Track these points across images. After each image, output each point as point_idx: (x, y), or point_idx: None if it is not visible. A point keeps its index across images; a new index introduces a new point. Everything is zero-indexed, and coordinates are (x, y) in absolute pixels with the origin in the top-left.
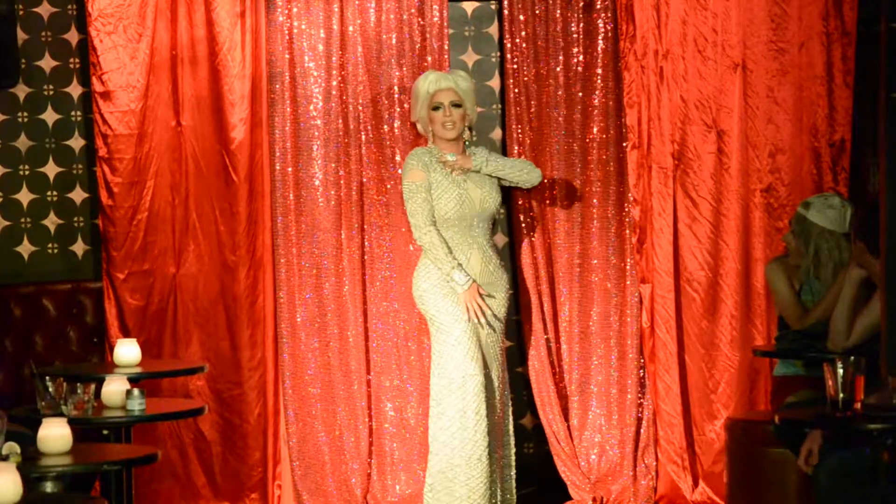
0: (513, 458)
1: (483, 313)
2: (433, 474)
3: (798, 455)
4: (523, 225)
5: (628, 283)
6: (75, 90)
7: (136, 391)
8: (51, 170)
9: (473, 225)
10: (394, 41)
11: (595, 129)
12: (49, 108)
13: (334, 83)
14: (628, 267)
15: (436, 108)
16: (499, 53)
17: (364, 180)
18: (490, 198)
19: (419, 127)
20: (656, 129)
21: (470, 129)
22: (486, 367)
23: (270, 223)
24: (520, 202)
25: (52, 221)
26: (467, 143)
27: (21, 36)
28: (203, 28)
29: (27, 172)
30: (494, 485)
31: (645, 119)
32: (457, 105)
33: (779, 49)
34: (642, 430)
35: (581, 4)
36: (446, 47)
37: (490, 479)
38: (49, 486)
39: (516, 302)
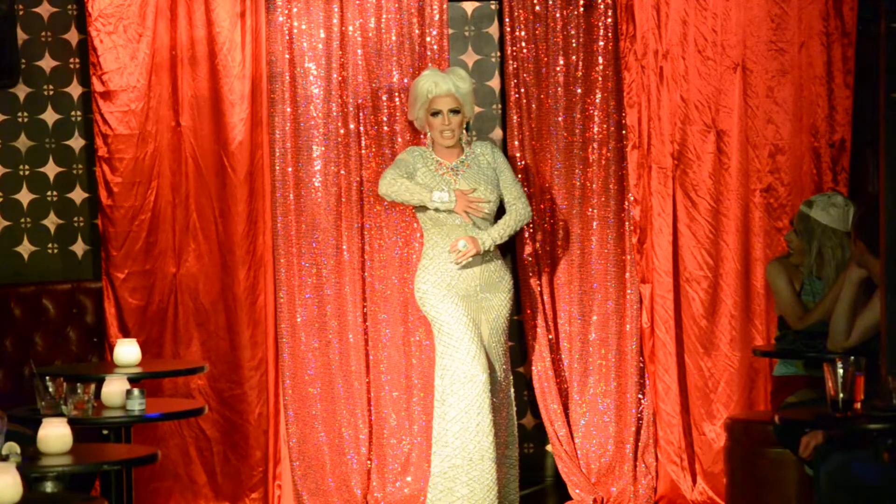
0: (516, 457)
1: (479, 208)
2: (435, 474)
3: (797, 453)
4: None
5: (628, 283)
6: (75, 90)
7: (136, 391)
8: (51, 170)
9: (469, 225)
10: (394, 41)
11: (595, 129)
12: (49, 108)
13: (334, 83)
14: (628, 267)
15: (434, 114)
16: (499, 53)
17: (364, 180)
18: (484, 197)
19: (416, 124)
20: (656, 129)
21: (467, 129)
22: (489, 366)
23: (270, 223)
24: None
25: (52, 221)
26: (465, 143)
27: (21, 36)
28: (203, 28)
29: (27, 172)
30: (497, 485)
31: (645, 119)
32: (455, 111)
33: (779, 49)
34: (642, 430)
35: (581, 4)
36: (446, 47)
37: (493, 479)
38: (49, 486)
39: (517, 302)
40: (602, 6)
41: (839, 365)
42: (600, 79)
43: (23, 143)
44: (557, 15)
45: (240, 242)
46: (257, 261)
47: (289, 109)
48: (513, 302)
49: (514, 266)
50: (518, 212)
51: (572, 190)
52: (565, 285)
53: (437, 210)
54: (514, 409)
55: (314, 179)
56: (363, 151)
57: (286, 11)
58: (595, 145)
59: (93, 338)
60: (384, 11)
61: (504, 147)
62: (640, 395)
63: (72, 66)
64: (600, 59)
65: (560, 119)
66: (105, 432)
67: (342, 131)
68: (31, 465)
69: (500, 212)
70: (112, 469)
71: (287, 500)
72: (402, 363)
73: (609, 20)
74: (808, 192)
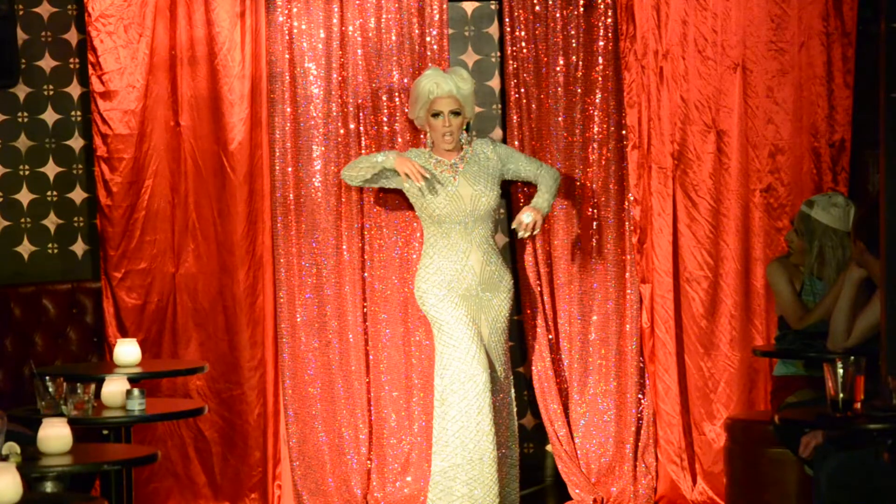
0: (517, 457)
1: (423, 174)
2: (435, 473)
3: (797, 453)
4: None
5: (628, 283)
6: (75, 90)
7: (136, 391)
8: (51, 170)
9: (468, 224)
10: (394, 41)
11: (595, 129)
12: (49, 108)
13: (334, 83)
14: (628, 267)
15: (435, 115)
16: (499, 53)
17: None
18: (483, 196)
19: (416, 123)
20: (656, 129)
21: (467, 129)
22: (489, 366)
23: (270, 223)
24: (521, 202)
25: (52, 221)
26: (465, 143)
27: (21, 36)
28: (202, 28)
29: (27, 172)
30: (497, 485)
31: (645, 119)
32: (456, 113)
33: (779, 49)
34: (642, 430)
35: (581, 4)
36: (446, 47)
37: (493, 479)
38: (49, 486)
39: (517, 302)
40: (602, 6)
41: (839, 365)
42: (600, 79)
43: (23, 143)
44: (557, 15)
45: (239, 242)
46: (257, 261)
47: (289, 109)
48: (513, 301)
49: (514, 266)
50: (549, 174)
51: (572, 190)
52: (565, 285)
53: (384, 170)
54: (515, 408)
55: (314, 179)
56: (363, 151)
57: (286, 11)
58: (595, 145)
59: (93, 338)
60: (384, 11)
61: None
62: (640, 395)
63: (72, 66)
64: (600, 59)
65: (560, 119)
66: (105, 432)
67: (342, 131)
68: (31, 465)
69: (506, 208)
70: (112, 469)
71: (287, 500)
72: (402, 363)
73: (609, 20)
74: (808, 192)
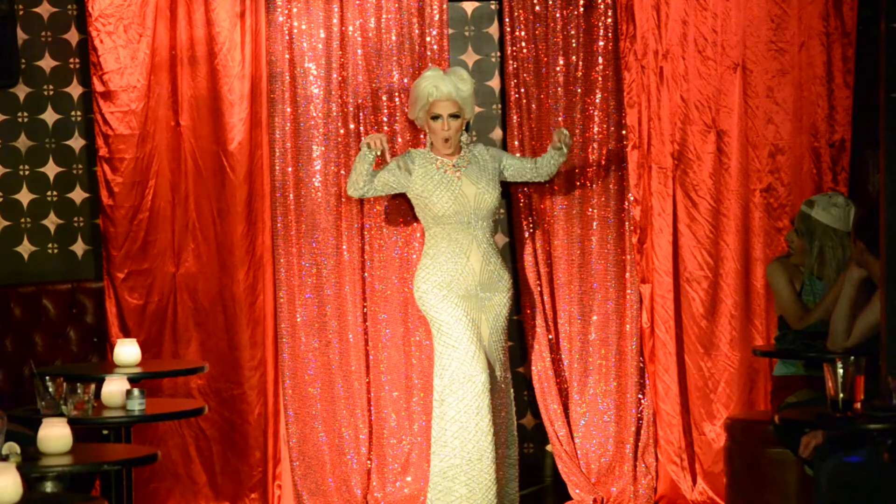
0: (517, 457)
1: (382, 148)
2: (435, 474)
3: (797, 452)
4: (523, 225)
5: (628, 283)
6: (75, 90)
7: (136, 391)
8: (51, 170)
9: (471, 223)
10: (394, 41)
11: (595, 129)
12: (49, 108)
13: (334, 83)
14: (628, 267)
15: (434, 118)
16: (499, 53)
17: None
18: (486, 195)
19: (416, 123)
20: (656, 129)
21: (467, 128)
22: (488, 366)
23: (270, 223)
24: (521, 202)
25: (52, 221)
26: (464, 144)
27: (21, 36)
28: (203, 28)
29: (27, 172)
30: (496, 485)
31: (645, 119)
32: (455, 116)
33: (779, 49)
34: (642, 430)
35: (581, 4)
36: (446, 47)
37: (492, 479)
38: (49, 486)
39: (517, 302)
40: (602, 6)
41: (839, 365)
42: (600, 79)
43: (23, 143)
44: (557, 15)
45: (239, 242)
46: (257, 261)
47: (289, 109)
48: (512, 301)
49: (514, 266)
50: (541, 159)
51: (572, 190)
52: (565, 285)
53: (365, 156)
54: (514, 409)
55: (314, 179)
56: None
57: (286, 11)
58: (595, 145)
59: (93, 338)
60: (384, 11)
61: (504, 147)
62: (640, 395)
63: (72, 66)
64: (600, 59)
65: (560, 119)
66: (105, 432)
67: (342, 131)
68: (31, 465)
69: (506, 208)
70: (112, 469)
71: (287, 500)
72: (402, 363)
73: (609, 20)
74: (808, 192)
